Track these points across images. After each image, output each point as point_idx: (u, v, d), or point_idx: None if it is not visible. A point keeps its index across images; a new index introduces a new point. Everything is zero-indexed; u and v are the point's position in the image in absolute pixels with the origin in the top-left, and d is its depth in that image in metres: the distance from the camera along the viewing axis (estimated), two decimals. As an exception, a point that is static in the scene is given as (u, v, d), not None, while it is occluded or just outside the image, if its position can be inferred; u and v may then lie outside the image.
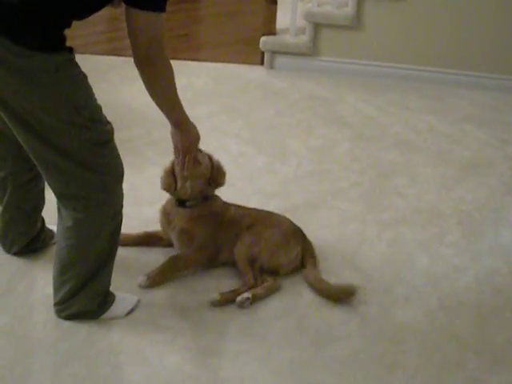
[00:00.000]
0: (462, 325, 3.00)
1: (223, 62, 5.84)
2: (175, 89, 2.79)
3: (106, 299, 2.97)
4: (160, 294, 3.11)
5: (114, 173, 2.78)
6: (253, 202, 3.69)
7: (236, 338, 2.88)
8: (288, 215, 3.42)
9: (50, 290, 3.06)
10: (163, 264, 3.22)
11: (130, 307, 3.01)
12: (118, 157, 2.79)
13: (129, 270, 3.23)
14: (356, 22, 5.54)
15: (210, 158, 3.26)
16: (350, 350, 2.83)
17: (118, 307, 3.00)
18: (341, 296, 3.11)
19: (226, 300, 3.04)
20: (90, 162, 2.67)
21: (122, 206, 2.85)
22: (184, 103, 2.81)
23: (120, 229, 2.88)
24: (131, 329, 2.90)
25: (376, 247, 3.52)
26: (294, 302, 3.09)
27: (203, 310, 3.02)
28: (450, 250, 3.52)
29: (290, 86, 5.50)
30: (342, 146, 4.57)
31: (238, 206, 3.39)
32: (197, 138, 3.07)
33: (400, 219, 3.77)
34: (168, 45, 2.65)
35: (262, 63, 5.83)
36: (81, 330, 2.88)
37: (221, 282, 3.19)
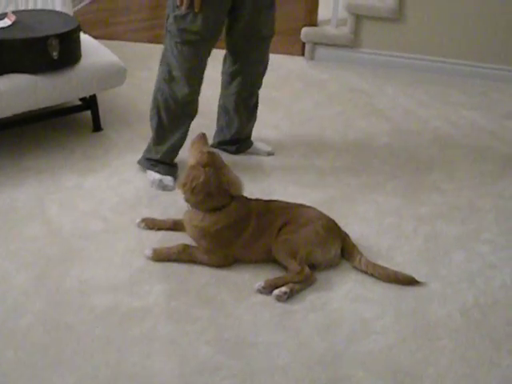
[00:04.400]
0: (496, 323, 2.96)
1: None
2: None
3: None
4: (193, 284, 3.11)
5: None
6: (290, 194, 3.70)
7: (269, 330, 2.87)
8: (324, 207, 3.41)
9: (85, 275, 3.10)
10: (172, 248, 3.27)
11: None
12: None
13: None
14: (398, 14, 5.49)
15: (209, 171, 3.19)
16: (383, 345, 2.81)
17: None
18: (403, 281, 3.16)
19: (271, 286, 3.06)
20: None
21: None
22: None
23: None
24: (164, 318, 2.91)
25: (412, 242, 3.49)
26: (329, 295, 3.08)
27: (236, 301, 3.03)
28: (486, 246, 3.48)
29: (331, 78, 5.47)
30: (380, 139, 4.53)
31: (268, 204, 3.35)
32: None
33: (437, 214, 3.73)
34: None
35: (302, 54, 5.82)
36: (114, 317, 2.89)
37: (255, 275, 3.19)
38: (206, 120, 4.17)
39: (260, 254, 3.24)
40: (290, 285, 3.06)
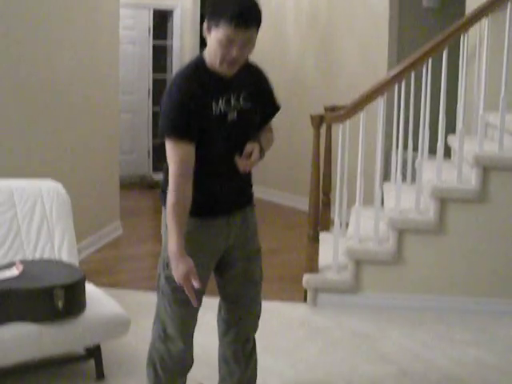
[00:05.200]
0: None
1: (266, 299, 5.79)
2: (172, 219, 3.27)
3: None
4: None
5: None
6: None
7: None
8: None
9: None
10: None
11: None
12: None
13: None
14: (397, 257, 5.62)
15: None
16: None
17: None
18: None
19: None
20: None
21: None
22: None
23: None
24: None
25: None
26: None
27: None
28: None
29: (333, 323, 5.49)
30: (385, 383, 4.49)
31: None
32: (178, 276, 3.32)
33: None
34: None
35: (304, 300, 5.86)
36: None
37: None
38: (208, 368, 4.15)
39: None
40: None
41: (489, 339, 5.18)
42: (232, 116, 3.39)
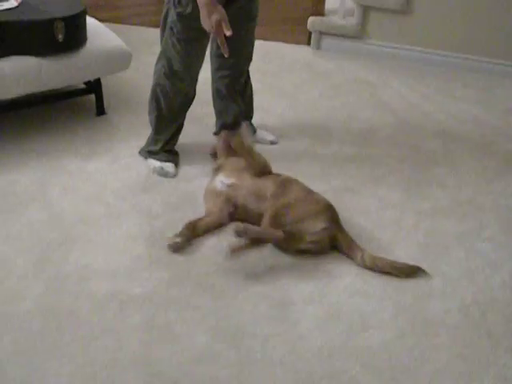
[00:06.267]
0: (494, 321, 2.96)
1: (269, 40, 5.79)
2: None
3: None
4: (193, 272, 3.12)
5: None
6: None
7: (267, 321, 2.88)
8: (327, 198, 3.41)
9: (85, 261, 3.11)
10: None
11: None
12: None
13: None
14: (406, 7, 5.47)
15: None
16: (381, 340, 2.82)
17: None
18: (407, 271, 3.18)
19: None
20: None
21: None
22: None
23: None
24: (163, 306, 2.91)
25: (413, 236, 3.49)
26: (328, 288, 3.08)
27: (236, 290, 3.03)
28: (487, 244, 3.47)
29: (336, 68, 5.46)
30: (383, 131, 4.53)
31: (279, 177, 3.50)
32: (211, 23, 3.24)
33: (438, 210, 3.73)
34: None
35: (308, 43, 5.80)
36: (113, 304, 2.90)
37: (256, 265, 3.20)
38: (208, 107, 4.17)
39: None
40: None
41: (489, 99, 5.17)
42: None
